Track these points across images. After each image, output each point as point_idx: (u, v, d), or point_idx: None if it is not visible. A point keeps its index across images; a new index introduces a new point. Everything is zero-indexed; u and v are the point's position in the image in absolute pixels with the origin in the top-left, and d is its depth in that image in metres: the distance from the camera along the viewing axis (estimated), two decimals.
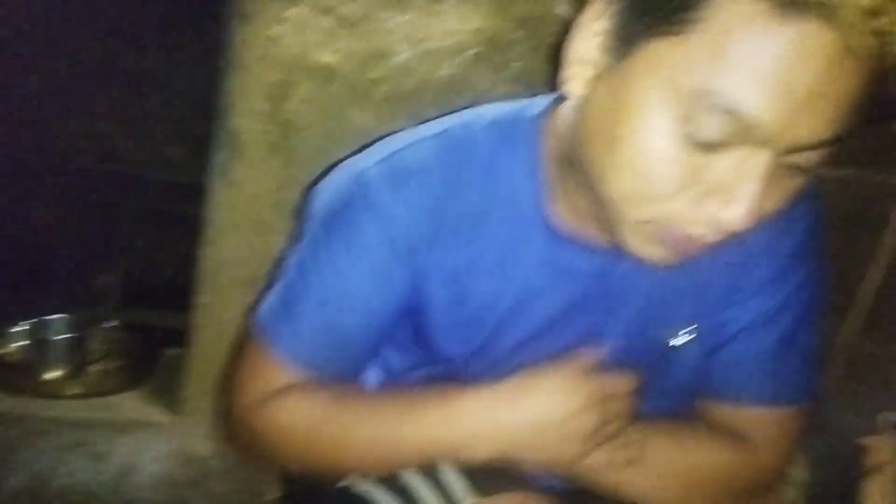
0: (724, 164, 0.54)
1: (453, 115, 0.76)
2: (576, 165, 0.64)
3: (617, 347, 0.74)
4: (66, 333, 1.29)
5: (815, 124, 0.52)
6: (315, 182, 0.78)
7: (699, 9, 0.51)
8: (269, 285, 0.80)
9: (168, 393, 1.25)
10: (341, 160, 0.77)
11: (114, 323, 1.40)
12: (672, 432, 0.77)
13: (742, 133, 0.52)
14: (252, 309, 0.80)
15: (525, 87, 1.05)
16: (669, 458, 0.76)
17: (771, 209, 0.58)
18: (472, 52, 1.03)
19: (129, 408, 1.25)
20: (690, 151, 0.54)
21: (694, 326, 0.76)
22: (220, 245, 1.12)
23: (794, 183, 0.57)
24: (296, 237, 0.79)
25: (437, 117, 0.71)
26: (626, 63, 0.56)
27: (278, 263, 0.81)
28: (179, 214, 1.63)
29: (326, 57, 1.03)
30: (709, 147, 0.54)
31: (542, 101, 0.74)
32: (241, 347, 0.82)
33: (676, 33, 0.52)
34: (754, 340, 0.77)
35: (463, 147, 0.72)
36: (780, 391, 0.78)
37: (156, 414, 1.24)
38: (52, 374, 1.25)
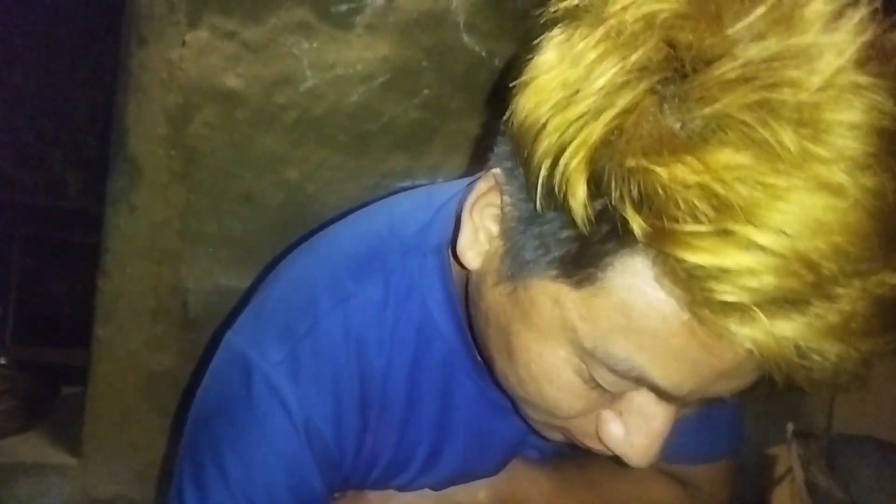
0: (632, 399, 0.49)
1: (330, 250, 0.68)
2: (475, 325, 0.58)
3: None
4: None
5: (727, 386, 0.46)
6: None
7: (598, 268, 0.44)
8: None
9: (68, 433, 1.19)
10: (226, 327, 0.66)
11: (4, 361, 1.33)
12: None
13: (646, 385, 0.47)
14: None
15: (435, 113, 1.05)
16: (619, 488, 0.77)
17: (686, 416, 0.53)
18: (380, 79, 1.02)
19: (27, 450, 1.19)
20: (594, 386, 0.49)
21: None
22: (120, 275, 1.07)
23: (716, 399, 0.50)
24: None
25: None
26: (523, 283, 0.49)
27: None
28: (76, 244, 1.56)
29: (230, 81, 1.00)
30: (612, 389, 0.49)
31: (434, 228, 0.64)
32: None
33: (576, 286, 0.46)
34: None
35: (365, 317, 0.63)
36: (713, 448, 0.79)
37: (56, 456, 1.18)
38: None
